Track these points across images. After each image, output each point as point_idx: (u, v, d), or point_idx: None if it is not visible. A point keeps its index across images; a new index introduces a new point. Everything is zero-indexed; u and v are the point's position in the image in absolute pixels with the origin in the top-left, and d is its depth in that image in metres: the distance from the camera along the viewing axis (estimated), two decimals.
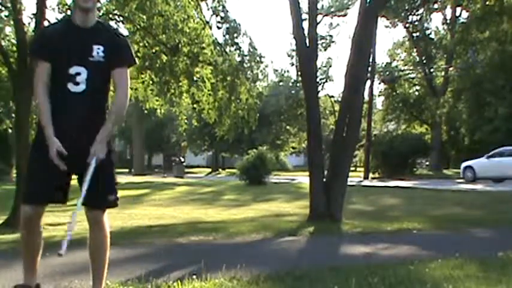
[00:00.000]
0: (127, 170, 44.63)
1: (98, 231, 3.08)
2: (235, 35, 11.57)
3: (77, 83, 2.98)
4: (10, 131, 20.63)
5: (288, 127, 43.91)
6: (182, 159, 36.28)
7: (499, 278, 3.91)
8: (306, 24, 8.78)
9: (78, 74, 2.98)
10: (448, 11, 33.98)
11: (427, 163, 34.52)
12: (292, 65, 44.07)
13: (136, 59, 11.93)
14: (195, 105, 12.42)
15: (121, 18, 11.47)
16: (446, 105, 31.65)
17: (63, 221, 9.18)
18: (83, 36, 3.04)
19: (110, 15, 11.37)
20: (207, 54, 11.58)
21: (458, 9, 32.08)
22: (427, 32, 35.88)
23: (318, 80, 10.46)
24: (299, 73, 30.36)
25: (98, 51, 3.02)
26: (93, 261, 3.12)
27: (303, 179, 19.58)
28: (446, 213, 10.51)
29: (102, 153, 2.96)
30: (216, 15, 11.51)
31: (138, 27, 11.39)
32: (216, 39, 11.86)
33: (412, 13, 33.79)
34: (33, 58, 3.13)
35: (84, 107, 3.00)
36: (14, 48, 10.57)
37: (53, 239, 6.47)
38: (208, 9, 11.70)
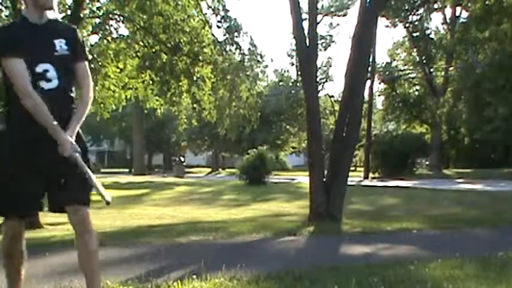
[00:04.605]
0: (127, 170, 44.69)
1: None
2: (235, 34, 11.59)
3: (49, 80, 2.89)
4: None
5: (288, 127, 43.89)
6: (182, 159, 36.24)
7: (499, 278, 3.90)
8: (306, 24, 8.78)
9: (47, 70, 2.89)
10: (448, 11, 33.97)
11: (427, 163, 34.48)
12: (292, 65, 44.17)
13: (136, 59, 11.83)
14: (195, 105, 12.41)
15: (121, 18, 11.48)
16: (446, 105, 31.62)
17: (63, 220, 9.18)
18: (42, 32, 2.95)
19: (110, 15, 11.39)
20: (207, 53, 11.58)
21: (458, 9, 32.06)
22: (427, 32, 35.82)
23: (318, 80, 10.45)
24: (299, 73, 30.36)
25: (60, 45, 2.95)
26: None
27: (303, 179, 19.56)
28: (446, 213, 10.49)
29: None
30: (216, 15, 11.52)
31: (138, 27, 11.40)
32: (216, 38, 11.87)
33: (412, 13, 33.73)
34: (4, 58, 2.93)
35: (60, 101, 2.90)
36: None
37: (53, 239, 6.49)
38: (208, 9, 11.72)
